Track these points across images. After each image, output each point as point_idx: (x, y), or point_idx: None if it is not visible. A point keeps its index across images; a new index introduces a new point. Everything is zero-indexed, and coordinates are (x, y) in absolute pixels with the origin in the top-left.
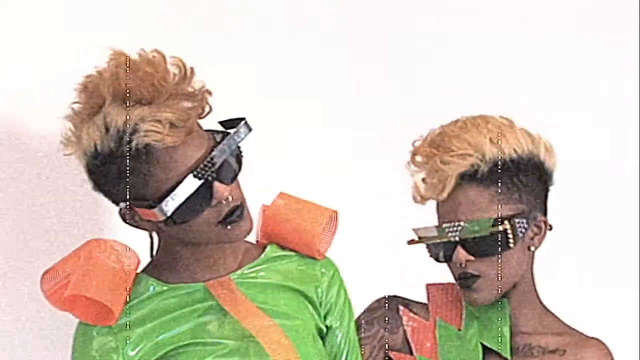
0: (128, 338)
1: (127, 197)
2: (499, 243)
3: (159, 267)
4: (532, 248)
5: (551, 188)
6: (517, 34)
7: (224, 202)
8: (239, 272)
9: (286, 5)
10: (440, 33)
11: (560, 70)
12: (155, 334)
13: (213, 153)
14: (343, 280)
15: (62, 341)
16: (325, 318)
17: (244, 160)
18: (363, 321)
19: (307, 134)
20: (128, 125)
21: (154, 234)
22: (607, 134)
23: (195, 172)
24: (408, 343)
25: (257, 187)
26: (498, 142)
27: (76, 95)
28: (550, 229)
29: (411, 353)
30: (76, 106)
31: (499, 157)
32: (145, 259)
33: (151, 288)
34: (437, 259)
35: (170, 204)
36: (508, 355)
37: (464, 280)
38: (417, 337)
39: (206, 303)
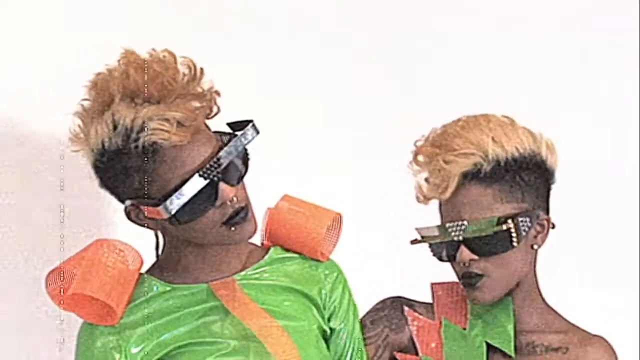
0: (130, 337)
1: (139, 193)
2: (503, 242)
3: (162, 268)
4: (535, 247)
5: (552, 187)
6: (517, 34)
7: (228, 203)
8: (243, 273)
9: (286, 5)
10: (440, 33)
11: (560, 70)
12: (158, 333)
13: (220, 154)
14: (347, 282)
15: (67, 341)
16: (329, 320)
17: (250, 162)
18: (368, 321)
19: (307, 134)
20: (136, 124)
21: (159, 234)
22: (607, 134)
23: (201, 172)
24: (414, 343)
25: (257, 187)
26: (500, 141)
27: (86, 92)
28: (553, 227)
29: (417, 353)
30: (85, 103)
31: (502, 156)
32: (149, 260)
33: (154, 288)
34: (440, 259)
35: (175, 203)
36: (512, 354)
37: (468, 279)
38: (422, 337)
39: (209, 303)
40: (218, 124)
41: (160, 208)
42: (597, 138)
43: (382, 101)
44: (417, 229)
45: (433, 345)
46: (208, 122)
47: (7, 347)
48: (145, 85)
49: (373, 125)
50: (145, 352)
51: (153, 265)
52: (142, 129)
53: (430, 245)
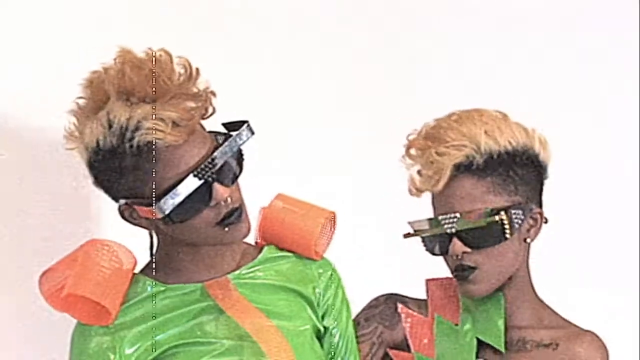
0: (125, 337)
1: (139, 192)
2: (495, 234)
3: (156, 267)
4: (528, 240)
5: (552, 187)
6: (517, 34)
7: (223, 203)
8: (237, 272)
9: (286, 5)
10: (440, 33)
11: (560, 70)
12: (152, 334)
13: (214, 154)
14: (341, 280)
15: (60, 341)
16: (323, 318)
17: (245, 163)
18: (362, 319)
19: (307, 134)
20: (131, 123)
21: (154, 234)
22: (607, 134)
23: (195, 172)
24: (407, 339)
25: (257, 187)
26: (493, 134)
27: (81, 91)
28: (546, 221)
29: (410, 350)
30: (81, 101)
31: (495, 149)
32: (142, 260)
33: (148, 288)
34: (432, 252)
35: (169, 203)
36: (502, 349)
37: (461, 272)
38: (415, 333)
39: (203, 303)
40: (218, 123)
41: (154, 208)
42: (597, 138)
43: (382, 101)
44: (409, 222)
45: (425, 341)
46: (205, 121)
47: (6, 347)
48: (141, 85)
49: (373, 125)
50: (140, 353)
51: (147, 265)
52: (137, 129)
53: (423, 239)
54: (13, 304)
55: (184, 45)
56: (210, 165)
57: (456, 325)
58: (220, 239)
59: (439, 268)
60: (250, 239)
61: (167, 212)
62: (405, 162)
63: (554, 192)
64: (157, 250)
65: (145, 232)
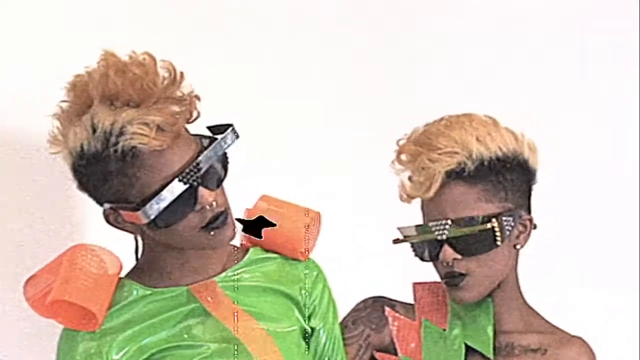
0: (112, 342)
1: (112, 198)
2: (487, 241)
3: (142, 271)
4: (518, 246)
5: (552, 187)
6: (517, 34)
7: (208, 207)
8: (223, 275)
9: (286, 5)
10: (440, 33)
11: (560, 70)
12: (139, 338)
13: (199, 158)
14: (327, 281)
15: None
16: (309, 319)
17: (229, 166)
18: (349, 321)
19: (307, 134)
20: (115, 127)
21: (139, 238)
22: (607, 134)
23: (180, 177)
24: (394, 343)
25: (257, 188)
26: (484, 141)
27: (65, 94)
28: (535, 227)
29: (397, 353)
30: (64, 105)
31: (486, 155)
32: (128, 264)
33: (134, 292)
34: (422, 258)
35: (155, 208)
36: (491, 356)
37: (451, 278)
38: (402, 337)
39: (190, 306)
40: (206, 128)
41: (139, 213)
42: (597, 138)
43: (382, 101)
44: (399, 228)
45: (412, 345)
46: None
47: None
48: (125, 89)
49: (373, 125)
50: (127, 357)
51: (132, 269)
52: (121, 133)
53: (412, 245)
54: None
55: (184, 45)
56: (195, 170)
57: (444, 330)
58: (206, 244)
59: None
60: (236, 240)
61: (152, 217)
62: (395, 167)
63: (554, 192)
64: (142, 254)
65: (130, 236)
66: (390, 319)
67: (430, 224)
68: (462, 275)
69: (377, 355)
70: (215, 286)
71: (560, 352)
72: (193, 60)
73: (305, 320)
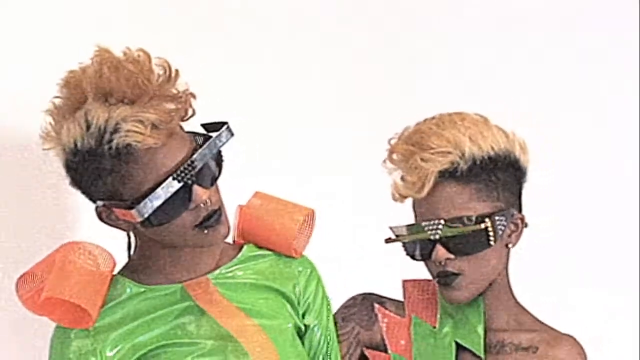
0: (106, 340)
1: (105, 196)
2: (480, 241)
3: (135, 269)
4: (510, 245)
5: (552, 187)
6: (517, 34)
7: (202, 205)
8: (217, 272)
9: (286, 5)
10: (440, 33)
11: (560, 70)
12: (133, 335)
13: (194, 156)
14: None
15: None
16: (303, 316)
17: (225, 165)
18: (339, 318)
19: (307, 134)
20: (109, 124)
21: (132, 235)
22: (607, 134)
23: (175, 175)
24: (384, 340)
25: (257, 188)
26: (477, 140)
27: (58, 90)
28: (526, 226)
29: (387, 351)
30: (57, 101)
31: (478, 155)
32: (121, 261)
33: (128, 289)
34: (413, 257)
35: (149, 206)
36: (481, 354)
37: (444, 278)
38: (392, 334)
39: (184, 304)
40: (200, 126)
41: (133, 211)
42: (597, 138)
43: (382, 101)
44: (391, 227)
45: (402, 342)
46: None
47: None
48: (120, 85)
49: (373, 125)
50: (121, 355)
51: (125, 266)
52: (115, 130)
53: (404, 244)
54: None
55: (184, 45)
56: (189, 168)
57: (434, 327)
58: (200, 242)
59: None
60: (229, 238)
61: (146, 215)
62: (386, 167)
63: (554, 192)
64: (135, 252)
65: (123, 233)
66: (380, 316)
67: (423, 223)
68: (455, 274)
69: (367, 352)
70: (209, 283)
71: (552, 350)
72: (193, 60)
73: (299, 318)
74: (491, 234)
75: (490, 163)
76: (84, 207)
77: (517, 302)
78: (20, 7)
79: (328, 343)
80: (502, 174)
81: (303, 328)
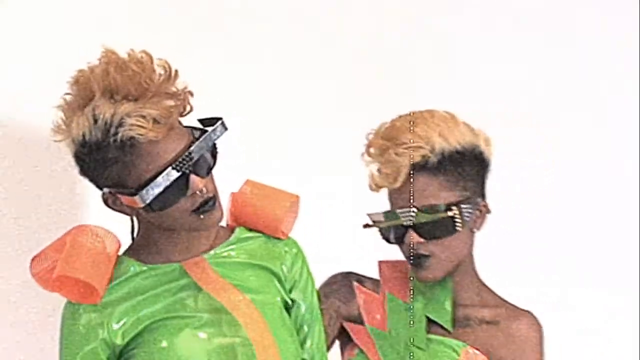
0: (112, 314)
1: (111, 183)
2: (448, 227)
3: (138, 250)
4: (475, 230)
5: (552, 187)
6: (517, 34)
7: (198, 193)
8: (212, 252)
9: (286, 5)
10: (440, 33)
11: (560, 70)
12: (137, 309)
13: (191, 148)
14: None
15: (55, 324)
16: (290, 291)
17: (218, 156)
18: (322, 294)
19: (307, 134)
20: (115, 119)
21: (135, 219)
22: (607, 134)
23: (174, 165)
24: (361, 314)
25: None
26: (445, 136)
27: (68, 87)
28: (489, 212)
29: (364, 323)
30: (68, 97)
31: (447, 149)
32: (125, 243)
33: (131, 268)
34: (388, 241)
35: (150, 193)
36: (449, 327)
37: (416, 259)
38: (368, 309)
39: (182, 281)
40: (197, 121)
41: (136, 197)
42: (597, 138)
43: (382, 101)
44: (368, 214)
45: (378, 316)
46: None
47: None
48: (124, 84)
49: (373, 125)
50: (126, 327)
51: (129, 247)
52: (120, 124)
53: (380, 229)
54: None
55: (184, 45)
56: (187, 159)
57: (407, 303)
58: (196, 226)
59: None
60: (223, 222)
61: (147, 201)
62: (364, 159)
63: (554, 192)
64: (138, 234)
65: (127, 217)
66: (357, 292)
67: (398, 211)
68: (426, 256)
69: (346, 324)
70: (205, 263)
71: (512, 324)
72: (193, 60)
73: (286, 293)
74: (458, 220)
75: (457, 156)
76: (92, 194)
77: (481, 281)
78: (21, 7)
79: (312, 315)
80: (468, 166)
81: (290, 302)
